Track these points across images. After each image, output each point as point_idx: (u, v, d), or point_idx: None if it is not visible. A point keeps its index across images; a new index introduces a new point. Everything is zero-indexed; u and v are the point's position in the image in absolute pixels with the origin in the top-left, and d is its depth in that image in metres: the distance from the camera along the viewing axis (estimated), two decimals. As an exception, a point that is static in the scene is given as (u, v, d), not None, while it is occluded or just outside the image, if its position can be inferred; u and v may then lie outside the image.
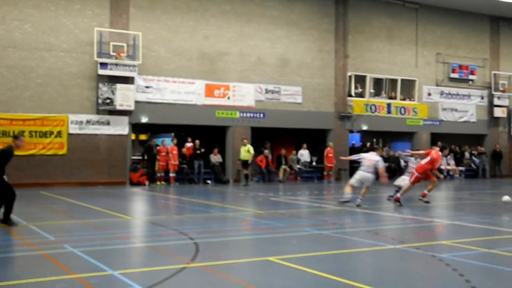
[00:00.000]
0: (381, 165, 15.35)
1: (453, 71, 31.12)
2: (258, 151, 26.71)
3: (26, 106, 21.54)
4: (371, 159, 15.22)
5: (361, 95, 28.78)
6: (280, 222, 11.78)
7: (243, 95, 25.54)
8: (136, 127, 25.29)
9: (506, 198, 15.62)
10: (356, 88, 28.82)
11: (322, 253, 8.42)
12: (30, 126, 21.51)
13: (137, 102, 23.03)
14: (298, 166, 27.07)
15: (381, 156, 29.22)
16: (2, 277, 6.77)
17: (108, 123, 22.85)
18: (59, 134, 21.98)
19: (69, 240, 9.23)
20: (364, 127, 28.82)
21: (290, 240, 9.66)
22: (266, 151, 26.12)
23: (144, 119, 23.60)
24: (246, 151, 24.43)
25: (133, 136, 25.18)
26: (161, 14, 23.93)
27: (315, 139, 28.69)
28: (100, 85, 22.38)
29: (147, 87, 23.53)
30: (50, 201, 16.45)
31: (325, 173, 26.95)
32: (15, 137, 11.35)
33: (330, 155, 26.71)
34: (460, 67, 31.39)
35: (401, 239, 9.66)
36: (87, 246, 8.68)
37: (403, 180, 16.08)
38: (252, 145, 25.36)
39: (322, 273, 6.85)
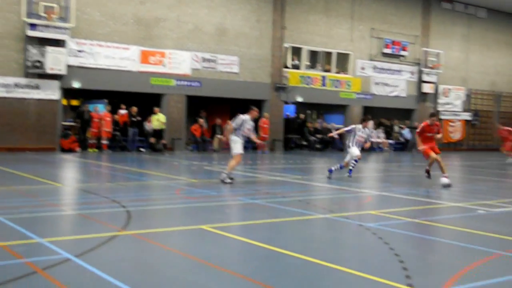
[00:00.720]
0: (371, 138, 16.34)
1: (386, 46, 31.87)
2: (193, 120, 26.58)
3: None
4: (363, 135, 15.29)
5: (297, 67, 29.03)
6: (213, 191, 11.84)
7: (179, 63, 25.22)
8: (68, 92, 24.53)
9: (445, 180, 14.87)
10: (292, 60, 29.01)
11: (254, 222, 8.55)
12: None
13: (69, 67, 22.30)
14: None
15: (314, 128, 29.99)
16: None
17: (37, 87, 22.04)
18: (-16, 97, 21.02)
19: (-5, 207, 8.94)
20: (299, 99, 29.16)
21: (223, 209, 9.75)
22: (201, 120, 26.02)
23: (76, 84, 22.91)
24: (157, 120, 24.13)
25: (64, 102, 24.44)
26: (95, -25, 23.10)
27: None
28: (29, 47, 21.50)
29: (79, 51, 22.79)
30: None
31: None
32: None
33: (265, 125, 26.91)
34: (393, 42, 32.17)
35: (331, 209, 9.94)
36: (14, 213, 8.44)
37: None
38: (187, 113, 25.14)
39: (254, 242, 6.97)
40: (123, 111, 24.60)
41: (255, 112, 13.92)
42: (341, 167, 15.23)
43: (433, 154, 13.84)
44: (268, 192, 12.11)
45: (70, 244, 6.70)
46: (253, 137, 14.01)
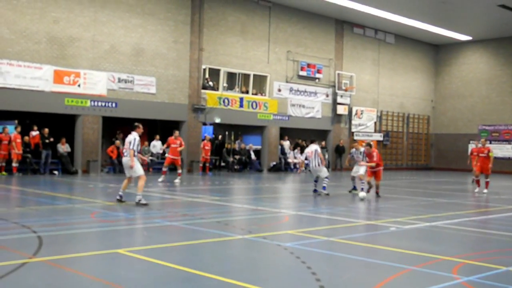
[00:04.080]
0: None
1: (302, 69, 32.71)
2: (109, 141, 26.00)
3: None
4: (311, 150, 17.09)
5: (214, 88, 29.16)
6: (130, 214, 11.61)
7: (95, 83, 24.65)
8: (-26, 113, 23.33)
9: (362, 194, 16.22)
10: (209, 81, 29.13)
11: (172, 244, 8.45)
12: None
13: (-25, 86, 21.24)
14: (150, 157, 26.78)
15: (233, 149, 30.16)
16: None
17: None
18: None
19: None
20: (217, 120, 29.27)
21: (140, 232, 9.58)
22: (118, 142, 25.50)
23: (-17, 105, 21.82)
24: None
25: (-30, 123, 23.22)
26: (5, -8, 22.26)
27: (168, 130, 28.56)
28: None
29: (-13, 70, 21.76)
30: None
31: (200, 165, 27.66)
32: None
33: (207, 147, 27.61)
34: (308, 65, 33.08)
35: (249, 229, 10.00)
36: None
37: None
38: (103, 135, 24.50)
39: (172, 264, 6.89)
40: (34, 133, 23.67)
41: (140, 129, 13.81)
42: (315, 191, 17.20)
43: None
44: (186, 214, 12.02)
45: (-25, 273, 6.33)
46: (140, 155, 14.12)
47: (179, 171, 21.20)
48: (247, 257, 7.88)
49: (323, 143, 33.91)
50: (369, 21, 35.12)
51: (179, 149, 21.01)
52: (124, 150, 13.48)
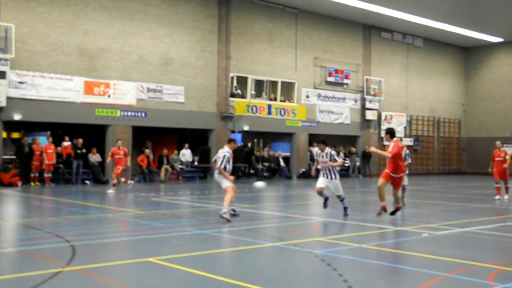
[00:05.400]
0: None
1: (330, 75, 32.58)
2: (139, 150, 26.27)
3: None
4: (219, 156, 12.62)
5: (242, 96, 29.25)
6: (161, 223, 11.68)
7: (124, 93, 24.97)
8: (8, 125, 23.82)
9: (259, 184, 14.56)
10: (237, 89, 29.23)
11: (203, 252, 8.46)
12: None
13: (9, 98, 21.70)
14: (180, 166, 26.98)
15: (262, 156, 30.15)
16: None
17: (-24, 120, 21.31)
18: None
19: None
20: (246, 128, 29.32)
21: (171, 240, 9.62)
22: (147, 151, 25.75)
23: (17, 117, 22.28)
24: None
25: (4, 134, 23.70)
26: (36, 6, 22.73)
27: (197, 138, 28.76)
28: (-33, 79, 20.83)
29: (21, 82, 22.23)
30: None
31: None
32: None
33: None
34: (336, 71, 32.93)
35: (279, 237, 9.96)
36: (-49, 252, 8.07)
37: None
38: (133, 144, 24.76)
39: (203, 273, 6.89)
40: (66, 143, 24.06)
41: (234, 144, 12.76)
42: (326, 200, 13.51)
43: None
44: (216, 222, 12.03)
45: (11, 283, 6.44)
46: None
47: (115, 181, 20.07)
48: (278, 265, 7.84)
49: (353, 148, 33.66)
50: (397, 25, 34.83)
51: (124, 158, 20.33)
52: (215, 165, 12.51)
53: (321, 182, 13.09)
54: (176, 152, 27.32)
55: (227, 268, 7.35)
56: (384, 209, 12.65)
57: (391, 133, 12.94)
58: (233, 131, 29.53)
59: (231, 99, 28.55)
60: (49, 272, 6.78)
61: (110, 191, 19.40)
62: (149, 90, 25.69)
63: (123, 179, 20.97)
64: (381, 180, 12.57)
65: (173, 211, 14.31)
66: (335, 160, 12.99)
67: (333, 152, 13.14)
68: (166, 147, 27.34)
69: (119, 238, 10.01)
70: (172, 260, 7.64)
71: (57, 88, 23.08)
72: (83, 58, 23.87)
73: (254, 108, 29.42)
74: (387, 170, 12.53)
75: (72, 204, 15.68)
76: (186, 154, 27.52)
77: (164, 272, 7.02)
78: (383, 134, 35.23)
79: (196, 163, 27.99)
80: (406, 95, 37.36)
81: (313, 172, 14.23)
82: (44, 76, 22.78)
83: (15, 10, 22.15)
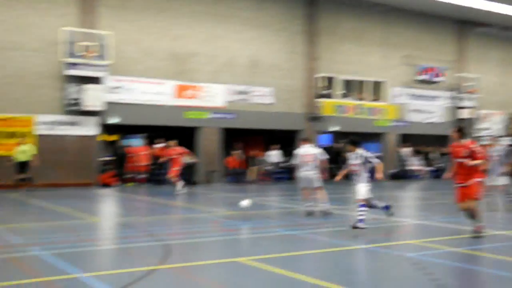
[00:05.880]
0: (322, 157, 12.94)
1: (420, 73, 31.59)
2: (228, 152, 26.70)
3: (-8, 107, 21.13)
4: (307, 153, 12.78)
5: (330, 96, 29.01)
6: (250, 223, 11.80)
7: (213, 95, 25.51)
8: (106, 128, 25.00)
9: (244, 203, 13.47)
10: (325, 89, 29.03)
11: (293, 253, 8.46)
12: (-4, 126, 21.12)
13: (106, 103, 22.78)
14: (269, 167, 27.14)
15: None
16: (-33, 281, 6.65)
17: (76, 124, 22.55)
18: (25, 134, 21.56)
19: (37, 242, 9.09)
20: (334, 128, 29.06)
21: (260, 241, 9.70)
22: (237, 152, 26.13)
23: (113, 120, 23.35)
24: (22, 152, 19.95)
25: (102, 137, 24.90)
26: (131, 14, 23.73)
27: (286, 139, 28.81)
28: (68, 85, 22.09)
29: (116, 87, 23.30)
30: (18, 203, 16.16)
31: None
32: None
33: None
34: (427, 69, 31.88)
35: (371, 239, 9.78)
36: (55, 248, 8.56)
37: None
38: (224, 145, 25.22)
39: (293, 274, 6.89)
40: (159, 145, 24.90)
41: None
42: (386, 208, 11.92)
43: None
44: (304, 223, 12.00)
45: (109, 278, 6.74)
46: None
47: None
48: (369, 268, 7.69)
49: (445, 149, 32.44)
50: (493, 19, 33.16)
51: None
52: (302, 163, 12.40)
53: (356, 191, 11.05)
54: (264, 153, 27.52)
55: (317, 270, 7.30)
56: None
57: (460, 131, 10.34)
58: (321, 132, 29.34)
59: (319, 99, 28.40)
60: (145, 270, 7.04)
61: (180, 190, 19.00)
62: (238, 92, 26.09)
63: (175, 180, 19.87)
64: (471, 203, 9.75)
65: (262, 212, 14.43)
66: (370, 163, 10.99)
67: (368, 154, 11.13)
68: (254, 148, 27.62)
69: (209, 238, 10.22)
70: (262, 260, 7.70)
71: (150, 92, 23.98)
72: (174, 63, 24.64)
73: (342, 108, 29.10)
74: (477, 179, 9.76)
75: (165, 204, 16.19)
76: (274, 155, 27.66)
77: (254, 273, 7.08)
78: (479, 133, 33.68)
79: (284, 164, 28.04)
80: (505, 92, 35.52)
81: (337, 178, 11.96)
82: (138, 81, 23.73)
83: (112, 18, 23.21)
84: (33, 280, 6.54)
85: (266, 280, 6.72)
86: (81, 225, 11.57)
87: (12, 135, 21.28)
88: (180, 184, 19.11)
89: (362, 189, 10.88)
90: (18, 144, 19.88)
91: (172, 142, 24.58)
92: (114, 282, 6.39)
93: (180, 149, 20.19)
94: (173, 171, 19.50)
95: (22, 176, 19.68)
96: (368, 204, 11.10)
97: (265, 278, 6.85)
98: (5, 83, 21.33)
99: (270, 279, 6.80)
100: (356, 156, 11.03)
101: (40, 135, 21.85)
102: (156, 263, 7.44)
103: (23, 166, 19.75)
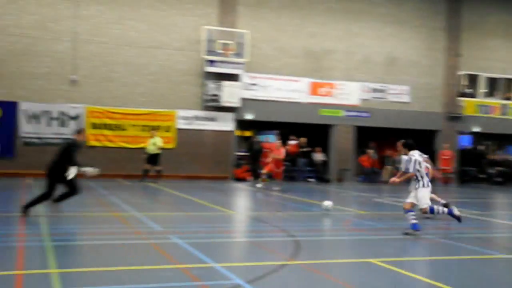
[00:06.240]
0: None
1: None
2: (362, 150, 26.30)
3: (138, 101, 22.62)
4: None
5: (473, 95, 27.44)
6: (382, 224, 11.52)
7: (348, 93, 25.25)
8: (241, 124, 25.74)
9: (326, 203, 12.97)
10: (467, 87, 27.51)
11: (425, 258, 8.13)
12: (141, 120, 22.58)
13: (242, 99, 23.45)
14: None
15: (494, 160, 27.91)
16: (113, 262, 7.17)
17: (214, 119, 23.48)
18: (168, 128, 22.91)
19: (175, 231, 9.58)
20: (476, 129, 27.46)
21: (393, 243, 9.42)
22: (371, 151, 25.66)
23: (249, 116, 23.99)
24: (152, 144, 20.91)
25: (238, 133, 25.67)
26: (268, 12, 24.19)
27: (422, 140, 27.71)
28: (208, 82, 23.05)
29: (252, 84, 23.90)
30: (158, 193, 17.16)
31: (441, 176, 25.96)
32: (80, 131, 11.65)
33: (444, 157, 25.65)
34: None
35: (508, 248, 9.11)
36: (191, 238, 8.96)
37: None
38: (357, 145, 24.89)
39: (425, 279, 6.61)
40: (292, 142, 25.14)
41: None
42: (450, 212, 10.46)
43: None
44: (440, 227, 11.46)
45: (241, 270, 6.92)
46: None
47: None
48: (508, 280, 7.15)
49: None
50: None
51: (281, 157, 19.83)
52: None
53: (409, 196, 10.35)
54: (399, 153, 26.71)
55: (451, 277, 6.93)
56: None
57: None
58: (461, 133, 27.90)
59: (460, 98, 26.99)
60: (275, 264, 7.13)
61: (259, 185, 19.81)
62: (373, 90, 25.60)
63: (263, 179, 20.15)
64: None
65: (395, 213, 14.00)
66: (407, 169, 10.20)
67: (408, 157, 10.22)
68: (389, 148, 26.90)
69: (340, 236, 10.12)
70: (393, 263, 7.46)
71: (285, 89, 24.28)
72: (309, 60, 24.73)
73: (486, 108, 27.41)
74: None
75: (297, 201, 16.31)
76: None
77: (385, 274, 6.89)
78: None
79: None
80: None
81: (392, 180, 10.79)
82: (273, 78, 24.14)
83: (249, 17, 23.83)
84: (173, 266, 6.90)
85: (398, 283, 6.50)
86: (216, 217, 12.01)
87: (155, 128, 22.62)
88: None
89: (422, 194, 10.07)
90: (151, 137, 21.01)
91: (303, 139, 24.81)
92: (245, 274, 6.55)
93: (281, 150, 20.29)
94: (269, 167, 20.02)
95: (151, 167, 20.66)
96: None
97: (396, 280, 6.63)
98: (151, 80, 22.74)
99: (401, 282, 6.57)
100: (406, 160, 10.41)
101: (180, 129, 23.03)
102: (286, 259, 7.51)
103: (153, 158, 20.79)
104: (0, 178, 19.47)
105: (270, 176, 23.98)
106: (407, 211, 10.09)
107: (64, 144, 11.60)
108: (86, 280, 6.17)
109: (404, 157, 10.67)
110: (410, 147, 10.45)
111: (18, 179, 19.42)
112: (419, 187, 10.11)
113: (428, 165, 11.09)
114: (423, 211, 10.13)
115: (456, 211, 10.32)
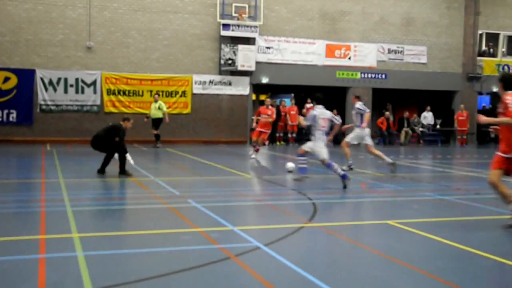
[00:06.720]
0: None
1: None
2: (379, 113, 26.14)
3: (153, 67, 22.61)
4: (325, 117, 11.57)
5: (493, 54, 26.97)
6: (400, 186, 11.52)
7: (365, 55, 24.95)
8: (257, 88, 25.68)
9: (289, 165, 13.49)
10: (487, 47, 27.03)
11: (444, 219, 8.14)
12: (157, 86, 22.60)
13: (258, 63, 23.30)
14: (421, 129, 26.16)
15: None
16: (133, 226, 7.29)
17: (230, 84, 23.41)
18: (183, 93, 22.92)
19: (193, 195, 9.67)
20: (495, 89, 27.06)
21: (411, 205, 9.43)
22: (387, 113, 25.50)
23: (264, 80, 23.87)
24: (156, 109, 20.76)
25: (253, 97, 25.63)
26: (282, -27, 23.81)
27: (440, 101, 27.47)
28: (223, 46, 22.89)
29: (268, 47, 23.70)
30: (175, 158, 17.28)
31: (458, 137, 25.84)
32: (127, 119, 12.43)
33: (461, 118, 25.49)
34: None
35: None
36: (209, 202, 9.05)
37: None
38: (373, 106, 24.71)
39: (442, 239, 6.62)
40: (309, 105, 25.03)
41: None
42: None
43: None
44: (459, 188, 11.44)
45: (259, 233, 6.99)
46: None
47: (257, 146, 17.46)
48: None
49: None
50: None
51: (269, 120, 17.52)
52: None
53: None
54: (416, 115, 26.54)
55: (470, 237, 6.93)
56: None
57: (505, 81, 7.86)
58: (480, 93, 27.55)
59: (479, 58, 26.55)
60: (292, 227, 7.19)
61: (252, 156, 17.39)
62: (389, 51, 25.26)
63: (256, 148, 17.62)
64: (492, 173, 7.46)
65: (413, 175, 14.01)
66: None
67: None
68: (406, 110, 26.73)
69: (358, 199, 10.16)
70: (411, 224, 7.48)
71: (300, 52, 24.06)
72: (324, 22, 24.40)
73: (505, 67, 26.96)
74: (498, 153, 7.57)
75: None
76: (427, 117, 26.57)
77: (403, 236, 6.92)
78: None
79: (438, 126, 26.87)
80: None
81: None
82: (289, 41, 23.90)
83: (263, -21, 23.47)
84: (192, 229, 6.99)
85: (417, 245, 6.54)
86: (233, 181, 12.09)
87: (171, 94, 22.67)
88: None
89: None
90: (155, 101, 20.90)
91: (269, 101, 24.50)
92: (263, 237, 6.61)
93: (273, 110, 17.92)
94: (259, 135, 17.59)
95: (154, 132, 20.71)
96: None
97: (415, 242, 6.66)
98: (166, 45, 22.66)
99: (420, 243, 6.60)
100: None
101: (195, 94, 23.03)
102: (304, 221, 7.56)
103: (157, 122, 20.79)
104: (19, 145, 19.75)
105: (286, 140, 24.02)
106: (299, 155, 11.72)
107: (112, 125, 12.48)
108: (106, 244, 6.29)
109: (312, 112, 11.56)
110: (317, 102, 11.81)
111: (36, 146, 19.68)
112: (314, 140, 11.40)
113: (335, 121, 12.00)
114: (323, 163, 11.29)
115: (347, 182, 10.69)
